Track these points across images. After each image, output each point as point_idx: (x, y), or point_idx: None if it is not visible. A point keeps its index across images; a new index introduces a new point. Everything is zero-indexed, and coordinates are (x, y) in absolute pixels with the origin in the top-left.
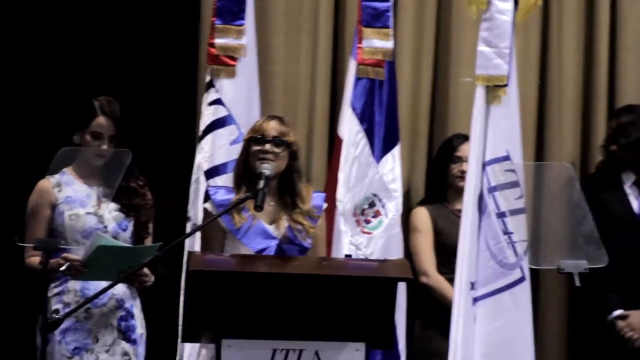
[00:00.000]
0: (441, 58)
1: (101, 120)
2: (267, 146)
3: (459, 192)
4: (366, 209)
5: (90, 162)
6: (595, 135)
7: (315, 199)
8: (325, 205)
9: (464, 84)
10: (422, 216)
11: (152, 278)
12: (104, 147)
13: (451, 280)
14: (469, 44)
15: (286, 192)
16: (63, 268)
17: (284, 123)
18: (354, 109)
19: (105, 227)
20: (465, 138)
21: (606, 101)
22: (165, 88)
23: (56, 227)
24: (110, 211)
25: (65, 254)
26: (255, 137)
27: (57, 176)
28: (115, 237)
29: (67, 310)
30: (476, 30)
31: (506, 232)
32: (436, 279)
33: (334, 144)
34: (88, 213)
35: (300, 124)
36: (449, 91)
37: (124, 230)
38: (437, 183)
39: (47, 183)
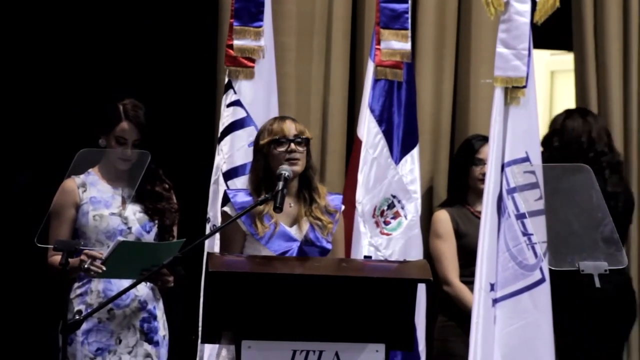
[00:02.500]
0: (462, 59)
1: (125, 125)
2: (292, 146)
3: (480, 194)
4: (385, 210)
5: (115, 165)
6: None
7: (333, 200)
8: (342, 207)
9: (485, 85)
10: (443, 221)
11: (172, 279)
12: (128, 152)
13: (473, 283)
14: (490, 45)
15: (304, 188)
16: (86, 266)
17: (297, 121)
18: (372, 111)
19: (130, 228)
20: (485, 139)
21: (620, 103)
22: (184, 90)
23: (80, 227)
24: (134, 212)
25: (86, 251)
26: (276, 140)
27: (82, 176)
28: (139, 239)
29: (89, 311)
30: (496, 32)
31: (526, 234)
32: (458, 289)
33: (351, 145)
34: (112, 214)
35: (314, 125)
36: (470, 92)
37: (148, 232)
38: (458, 184)
39: (72, 183)
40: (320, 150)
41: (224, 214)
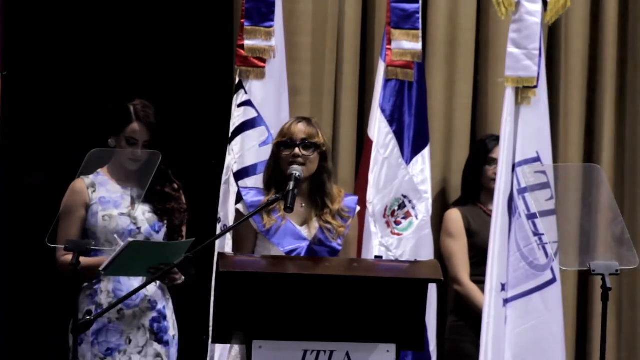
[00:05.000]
0: (481, 59)
1: (135, 126)
2: (297, 150)
3: (493, 193)
4: (396, 211)
5: (125, 165)
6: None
7: (349, 201)
8: (358, 209)
9: (503, 84)
10: (455, 219)
11: (182, 277)
12: (138, 152)
13: (484, 282)
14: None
15: (316, 192)
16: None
17: (312, 124)
18: (383, 111)
19: (139, 228)
20: (499, 139)
21: (613, 102)
22: (196, 90)
23: (89, 228)
24: (143, 212)
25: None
26: (284, 142)
27: (91, 177)
28: (148, 239)
29: (99, 311)
30: None
31: (537, 234)
32: (469, 288)
33: (361, 145)
34: (122, 214)
35: (325, 125)
36: (488, 91)
37: (157, 232)
38: (471, 184)
39: (82, 183)
40: (332, 150)
41: (236, 211)
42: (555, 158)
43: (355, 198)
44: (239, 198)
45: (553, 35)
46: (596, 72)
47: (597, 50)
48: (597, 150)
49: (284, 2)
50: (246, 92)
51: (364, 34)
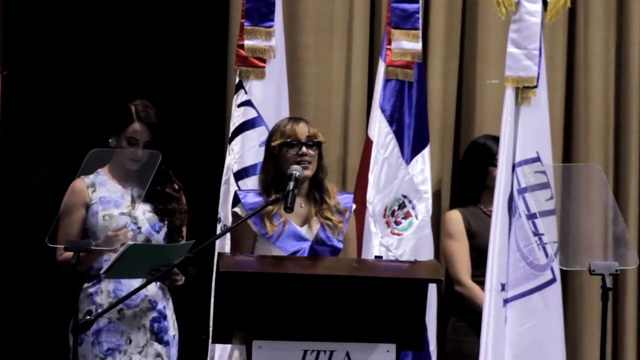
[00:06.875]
0: (467, 59)
1: (136, 126)
2: (304, 149)
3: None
4: (396, 211)
5: (125, 165)
6: (624, 137)
7: (344, 199)
8: (354, 207)
9: (491, 85)
10: (455, 221)
11: (182, 278)
12: (139, 152)
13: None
14: (495, 46)
15: (314, 190)
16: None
17: (310, 123)
18: (383, 111)
19: (139, 228)
20: (498, 140)
21: (638, 103)
22: (195, 90)
23: (89, 227)
24: (144, 212)
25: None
26: (288, 142)
27: (91, 176)
28: (148, 239)
29: (99, 311)
30: (502, 32)
31: (536, 234)
32: (470, 289)
33: None
34: (122, 214)
35: (335, 125)
36: (475, 93)
37: (158, 232)
38: (471, 185)
39: (82, 183)
40: (342, 150)
41: (234, 214)
42: (575, 159)
43: (351, 195)
44: (236, 201)
45: (572, 36)
46: (617, 72)
47: (618, 50)
48: (623, 150)
49: (289, 3)
50: (246, 92)
51: (371, 34)
